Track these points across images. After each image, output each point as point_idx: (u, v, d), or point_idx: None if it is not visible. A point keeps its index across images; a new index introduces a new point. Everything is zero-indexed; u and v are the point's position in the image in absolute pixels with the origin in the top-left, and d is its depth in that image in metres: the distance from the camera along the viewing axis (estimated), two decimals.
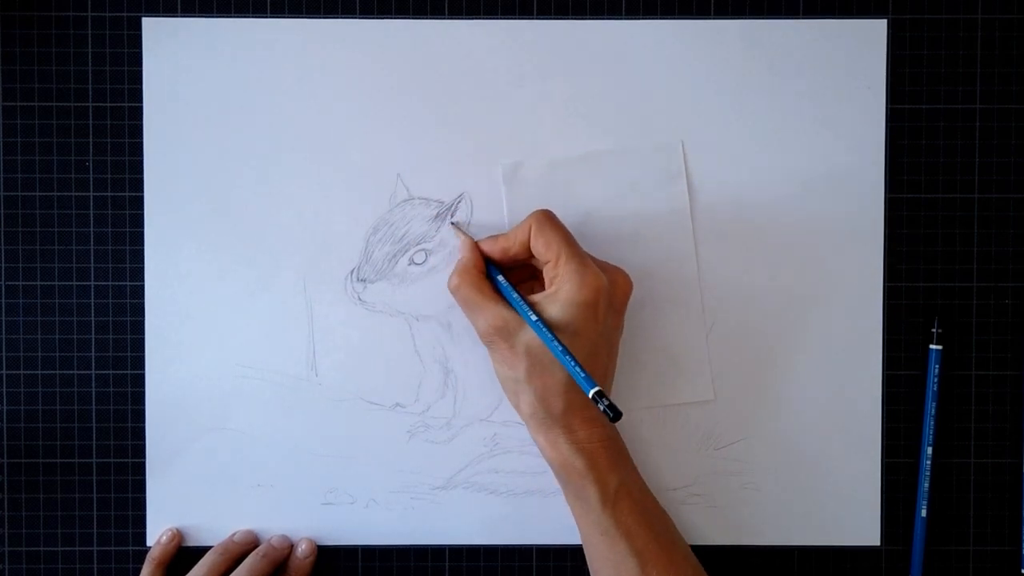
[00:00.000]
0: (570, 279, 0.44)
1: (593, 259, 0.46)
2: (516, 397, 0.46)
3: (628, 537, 0.45)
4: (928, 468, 0.50)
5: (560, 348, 0.43)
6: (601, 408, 0.41)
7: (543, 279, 0.46)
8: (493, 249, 0.47)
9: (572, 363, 0.42)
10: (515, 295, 0.45)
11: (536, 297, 0.45)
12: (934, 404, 0.50)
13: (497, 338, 0.45)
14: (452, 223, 0.50)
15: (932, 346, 0.50)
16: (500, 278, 0.46)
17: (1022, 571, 0.51)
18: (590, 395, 0.41)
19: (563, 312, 0.44)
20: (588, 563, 0.47)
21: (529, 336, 0.44)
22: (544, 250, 0.45)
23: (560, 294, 0.44)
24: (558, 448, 0.45)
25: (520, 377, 0.44)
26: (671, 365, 0.51)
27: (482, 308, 0.45)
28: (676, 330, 0.51)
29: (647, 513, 0.46)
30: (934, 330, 0.50)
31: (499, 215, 0.50)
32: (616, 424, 0.50)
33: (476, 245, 0.48)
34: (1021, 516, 0.51)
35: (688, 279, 0.50)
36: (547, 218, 0.46)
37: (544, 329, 0.43)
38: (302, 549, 0.50)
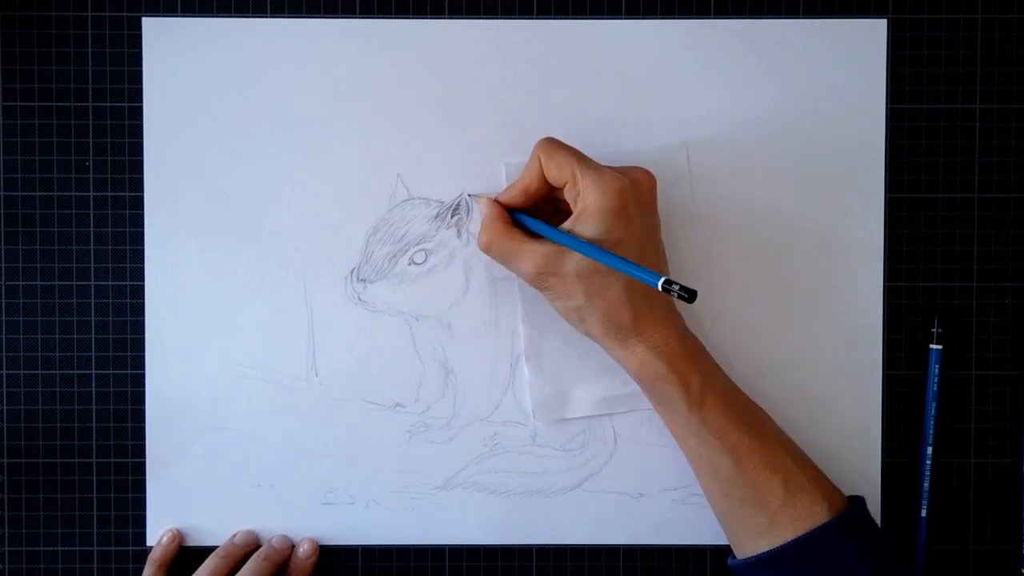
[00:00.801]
0: (592, 192, 0.44)
1: (609, 167, 0.45)
2: (584, 324, 0.45)
3: (719, 435, 0.45)
4: (928, 468, 0.50)
5: (611, 256, 0.42)
6: (674, 293, 0.40)
7: (568, 210, 0.45)
8: (513, 196, 0.47)
9: (627, 265, 0.42)
10: (546, 227, 0.45)
11: (567, 224, 0.45)
12: (934, 404, 0.50)
13: (545, 275, 0.45)
14: (469, 195, 0.50)
15: (932, 346, 0.50)
16: (529, 221, 0.46)
17: (1022, 571, 0.51)
18: (659, 285, 0.41)
19: (597, 225, 0.43)
20: (690, 465, 0.47)
21: (575, 261, 0.44)
22: (558, 173, 0.45)
23: (589, 210, 0.44)
24: (637, 355, 0.45)
25: (581, 304, 0.44)
26: None
27: (519, 253, 0.45)
28: None
29: (735, 407, 0.45)
30: (934, 330, 0.50)
31: None
32: (615, 424, 0.51)
33: (494, 200, 0.47)
34: (1021, 516, 0.51)
35: (690, 280, 0.50)
36: (552, 143, 0.45)
37: (588, 246, 0.43)
38: (304, 549, 0.50)
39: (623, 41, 0.50)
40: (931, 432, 0.50)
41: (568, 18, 0.50)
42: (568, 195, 0.45)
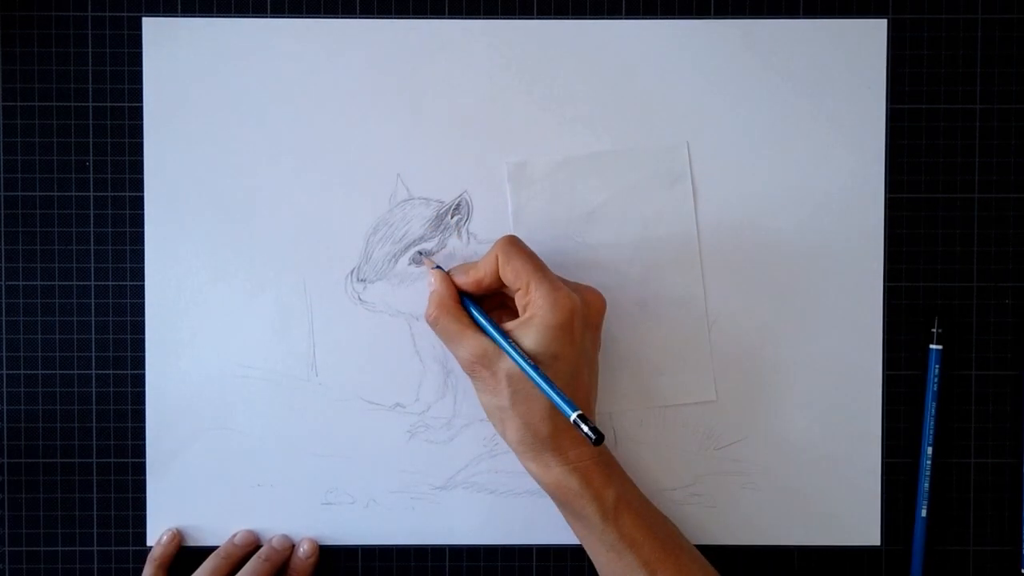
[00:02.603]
0: (542, 304, 0.44)
1: (564, 280, 0.46)
2: (502, 425, 0.45)
3: (634, 548, 0.45)
4: (928, 468, 0.50)
5: (539, 375, 0.43)
6: (584, 432, 0.41)
7: (514, 306, 0.46)
8: (466, 281, 0.46)
9: (552, 389, 0.42)
10: (491, 326, 0.45)
11: (510, 325, 0.45)
12: (934, 404, 0.50)
13: (479, 367, 0.45)
14: (420, 252, 0.50)
15: (932, 346, 0.50)
16: (474, 310, 0.46)
17: (1022, 571, 0.51)
18: (572, 419, 0.41)
19: (539, 337, 0.44)
20: None
21: (510, 364, 0.44)
22: (513, 278, 0.45)
23: (535, 320, 0.44)
24: (551, 471, 0.45)
25: (504, 405, 0.44)
26: (673, 365, 0.51)
27: (462, 339, 0.45)
28: (679, 330, 0.51)
29: (649, 521, 0.46)
30: (934, 330, 0.50)
31: (502, 214, 0.50)
32: (615, 423, 0.51)
33: (449, 277, 0.47)
34: (1021, 516, 0.51)
35: (691, 279, 0.50)
36: (513, 245, 0.45)
37: (521, 357, 0.43)
38: (304, 549, 0.50)
39: (623, 41, 0.50)
40: (931, 432, 0.50)
41: (568, 18, 0.50)
42: (519, 300, 0.45)
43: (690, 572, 0.45)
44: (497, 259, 0.45)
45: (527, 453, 0.45)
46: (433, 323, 0.46)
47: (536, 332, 0.44)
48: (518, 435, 0.45)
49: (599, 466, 0.45)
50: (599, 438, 0.41)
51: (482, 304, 0.47)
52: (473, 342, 0.45)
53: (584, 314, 0.45)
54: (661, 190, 0.50)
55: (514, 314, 0.46)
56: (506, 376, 0.44)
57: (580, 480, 0.45)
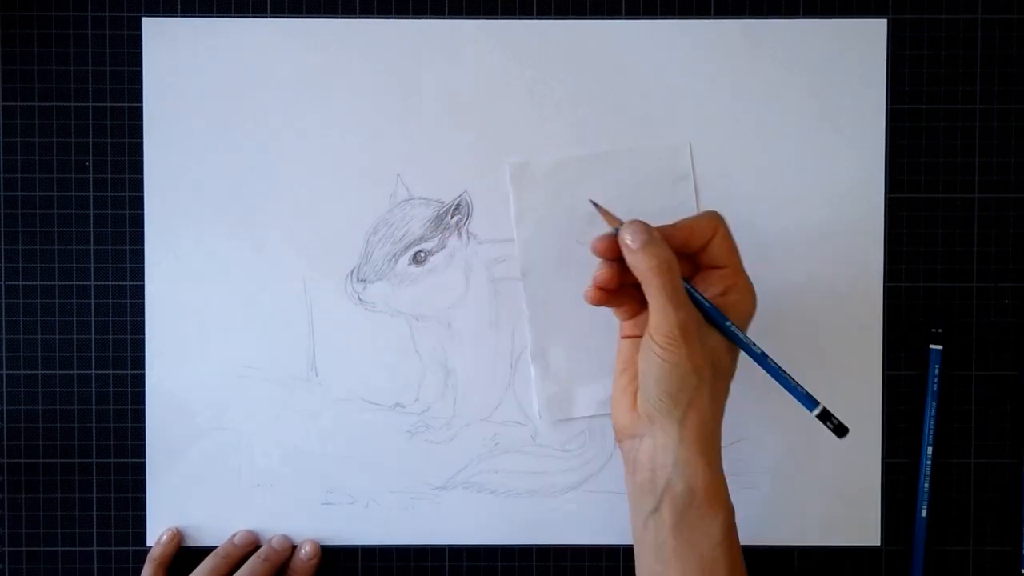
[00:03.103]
0: (748, 294, 0.44)
1: None
2: (685, 395, 0.41)
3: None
4: (928, 468, 0.50)
5: (776, 367, 0.42)
6: (830, 427, 0.40)
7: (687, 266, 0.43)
8: (672, 232, 0.43)
9: (791, 381, 0.42)
10: (707, 302, 0.43)
11: (720, 302, 0.43)
12: (934, 404, 0.50)
13: (691, 335, 0.41)
14: (593, 202, 0.45)
15: (932, 346, 0.50)
16: (691, 288, 0.43)
17: (1022, 571, 0.51)
18: (814, 414, 0.41)
19: (739, 325, 0.43)
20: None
21: (716, 340, 0.42)
22: (727, 256, 0.44)
23: (740, 306, 0.43)
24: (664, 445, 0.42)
25: (705, 378, 0.41)
26: None
27: (685, 302, 0.41)
28: None
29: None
30: (934, 330, 0.50)
31: (502, 214, 0.50)
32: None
33: (659, 234, 0.42)
34: (1021, 516, 0.51)
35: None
36: (725, 224, 0.44)
37: (755, 346, 0.42)
38: (306, 551, 0.50)
39: (623, 41, 0.50)
40: (931, 432, 0.50)
41: (568, 18, 0.50)
42: (722, 278, 0.43)
43: None
44: (718, 229, 0.43)
45: (664, 417, 0.42)
46: (667, 270, 0.41)
47: (739, 318, 0.43)
48: (666, 403, 0.41)
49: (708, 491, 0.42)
50: (844, 431, 0.40)
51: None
52: (689, 310, 0.41)
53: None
54: (663, 190, 0.50)
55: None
56: (711, 352, 0.41)
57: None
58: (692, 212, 0.50)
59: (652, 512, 0.42)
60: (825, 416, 0.40)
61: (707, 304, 0.43)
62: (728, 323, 0.42)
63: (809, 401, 0.41)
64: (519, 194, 0.50)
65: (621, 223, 0.43)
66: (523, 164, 0.50)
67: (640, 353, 0.42)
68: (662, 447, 0.42)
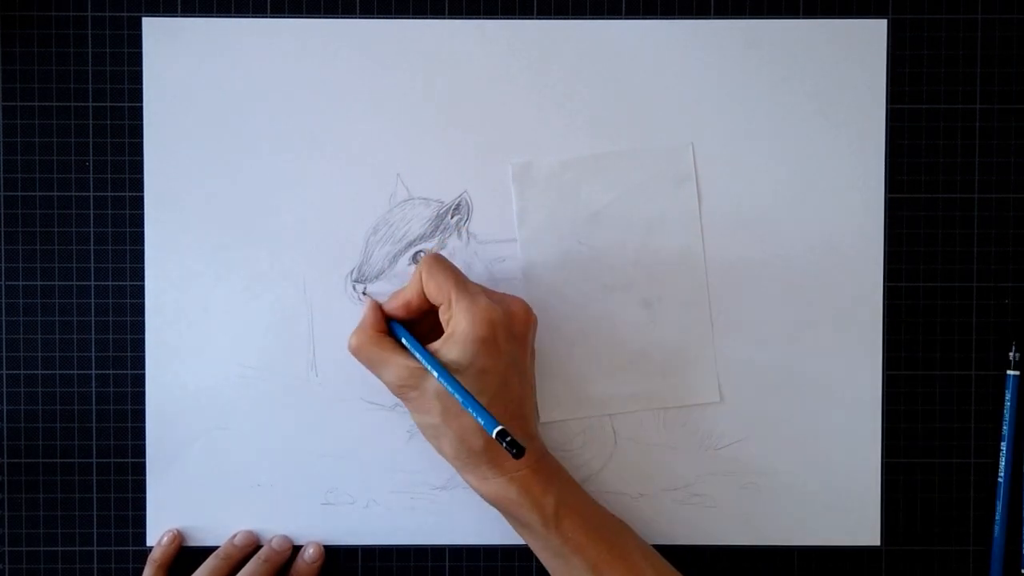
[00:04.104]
0: (464, 318, 0.44)
1: (488, 292, 0.46)
2: (438, 441, 0.45)
3: (579, 552, 0.44)
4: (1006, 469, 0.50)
5: (459, 391, 0.42)
6: (503, 444, 0.40)
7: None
8: (395, 305, 0.46)
9: (473, 404, 0.42)
10: (413, 346, 0.45)
11: (435, 344, 0.45)
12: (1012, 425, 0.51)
13: (406, 389, 0.45)
14: (362, 293, 0.50)
15: (1009, 372, 0.50)
16: (399, 329, 0.46)
17: (1022, 571, 0.51)
18: (492, 435, 0.41)
19: (463, 351, 0.43)
20: None
21: (435, 381, 0.43)
22: (436, 294, 0.45)
23: (457, 334, 0.44)
24: (488, 483, 0.45)
25: (437, 422, 0.44)
26: (678, 367, 0.51)
27: (385, 363, 0.45)
28: (684, 332, 0.51)
29: (594, 524, 0.45)
30: (1012, 355, 0.50)
31: (501, 214, 0.50)
32: (615, 424, 0.51)
33: (377, 305, 0.47)
34: (1022, 516, 0.51)
35: (696, 281, 0.50)
36: (435, 261, 0.45)
37: (442, 374, 0.43)
38: (310, 553, 0.50)
39: (623, 41, 0.50)
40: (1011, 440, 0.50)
41: (568, 18, 0.50)
42: (442, 316, 0.45)
43: (640, 571, 0.45)
44: (421, 278, 0.45)
45: (464, 467, 0.45)
46: (355, 352, 0.46)
47: (460, 346, 0.44)
48: (453, 450, 0.45)
49: (537, 474, 0.45)
50: (519, 452, 0.40)
51: (418, 328, 0.47)
52: (397, 365, 0.45)
53: (507, 325, 0.45)
54: (666, 191, 0.50)
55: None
56: (435, 394, 0.44)
57: (519, 489, 0.44)
58: (695, 213, 0.50)
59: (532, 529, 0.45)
60: (502, 436, 0.41)
61: (404, 339, 0.46)
62: (424, 357, 0.44)
63: (489, 423, 0.41)
64: (521, 194, 0.50)
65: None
66: (525, 164, 0.50)
67: None
68: (495, 491, 0.45)
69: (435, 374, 0.43)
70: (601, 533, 0.45)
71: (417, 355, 0.44)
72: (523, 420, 0.46)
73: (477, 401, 0.42)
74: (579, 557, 0.44)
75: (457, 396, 0.42)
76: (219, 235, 0.50)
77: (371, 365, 0.46)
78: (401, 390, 0.45)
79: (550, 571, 0.47)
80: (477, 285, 0.46)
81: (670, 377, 0.51)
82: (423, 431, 0.46)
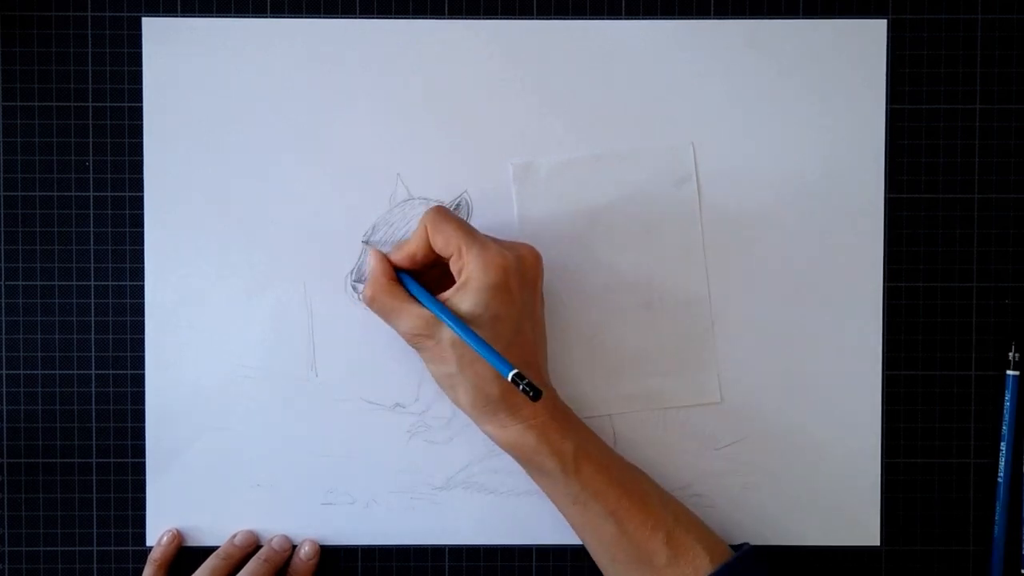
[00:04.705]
0: (475, 266, 0.44)
1: (496, 240, 0.46)
2: (454, 391, 0.46)
3: (598, 498, 0.45)
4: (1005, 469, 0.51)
5: (474, 338, 0.42)
6: (520, 387, 0.41)
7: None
8: (400, 256, 0.46)
9: (487, 350, 0.42)
10: (425, 297, 0.45)
11: (447, 293, 0.45)
12: (1012, 425, 0.51)
13: (421, 338, 0.45)
14: (363, 242, 0.50)
15: (1009, 372, 0.50)
16: (410, 284, 0.46)
17: (1022, 571, 0.51)
18: (508, 378, 0.41)
19: (476, 300, 0.43)
20: (576, 533, 0.47)
21: (451, 331, 0.44)
22: (444, 245, 0.45)
23: (470, 283, 0.44)
24: (506, 430, 0.45)
25: (453, 371, 0.44)
26: (678, 367, 0.51)
27: (399, 313, 0.45)
28: (684, 332, 0.51)
29: (611, 470, 0.46)
30: (1011, 355, 0.50)
31: (502, 214, 0.50)
32: (615, 424, 0.51)
33: (383, 255, 0.47)
34: (1021, 516, 0.51)
35: (697, 281, 0.50)
36: (439, 214, 0.45)
37: (455, 323, 0.43)
38: (305, 551, 0.50)
39: (623, 41, 0.50)
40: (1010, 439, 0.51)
41: (568, 18, 0.50)
42: (453, 267, 0.45)
43: (659, 517, 0.45)
44: (426, 230, 0.45)
45: (482, 416, 0.45)
46: (369, 302, 0.46)
47: (473, 295, 0.44)
48: (470, 399, 0.45)
49: (555, 420, 0.45)
50: (536, 394, 0.41)
51: (424, 278, 0.47)
52: (411, 315, 0.45)
53: (519, 270, 0.45)
54: (666, 191, 0.50)
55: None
56: (450, 343, 0.44)
57: (536, 436, 0.45)
58: (695, 214, 0.50)
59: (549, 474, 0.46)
60: (519, 378, 0.41)
61: (415, 291, 0.46)
62: (435, 306, 0.44)
63: (505, 367, 0.41)
64: (521, 194, 0.50)
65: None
66: (525, 164, 0.50)
67: None
68: (513, 438, 0.45)
69: (447, 322, 0.43)
70: (619, 479, 0.45)
71: (429, 305, 0.44)
72: (537, 368, 0.46)
73: (491, 347, 0.42)
74: (598, 503, 0.45)
75: (471, 343, 0.42)
76: (219, 235, 0.50)
77: (385, 315, 0.46)
78: (416, 339, 0.45)
79: (567, 518, 0.47)
80: (484, 234, 0.46)
81: (670, 377, 0.51)
82: (438, 381, 0.46)
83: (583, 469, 0.45)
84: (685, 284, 0.50)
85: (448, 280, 0.46)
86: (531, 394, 0.41)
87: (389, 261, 0.47)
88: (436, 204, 0.46)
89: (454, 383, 0.45)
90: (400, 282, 0.47)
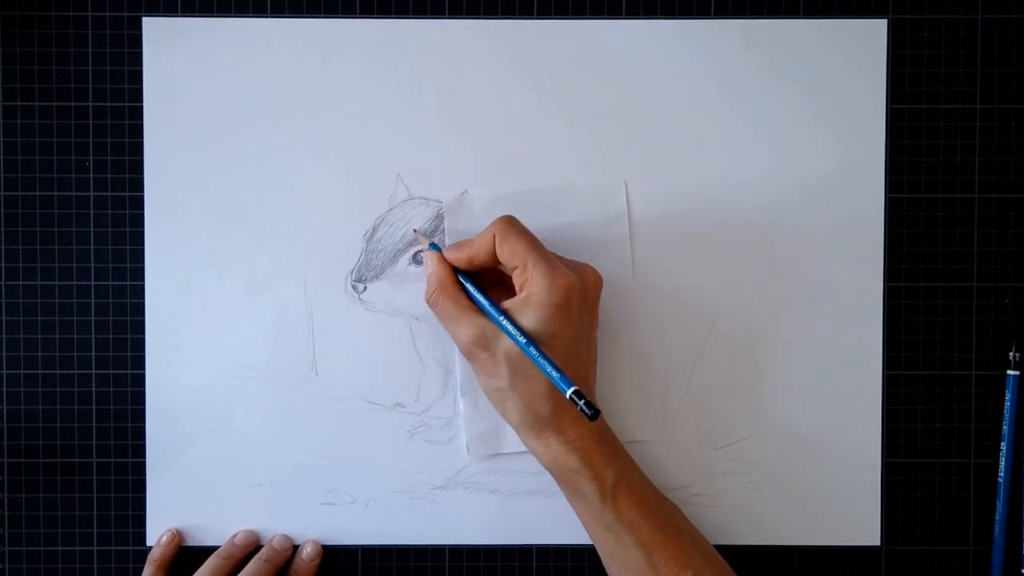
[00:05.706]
0: (540, 283, 0.44)
1: (560, 259, 0.46)
2: (503, 405, 0.45)
3: (632, 529, 0.45)
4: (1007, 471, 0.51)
5: (536, 352, 0.43)
6: (580, 407, 0.41)
7: (511, 283, 0.46)
8: (459, 258, 0.46)
9: (549, 365, 0.42)
10: (490, 305, 0.45)
11: (509, 304, 0.45)
12: (1012, 424, 0.50)
13: (477, 349, 0.45)
14: (415, 230, 0.50)
15: (1009, 372, 0.50)
16: (473, 289, 0.46)
17: (1022, 571, 0.51)
18: (567, 395, 0.42)
19: (537, 316, 0.43)
20: (602, 560, 0.47)
21: (508, 344, 0.44)
22: (511, 257, 0.45)
23: (532, 298, 0.44)
24: (551, 449, 0.45)
25: (504, 386, 0.44)
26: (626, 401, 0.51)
27: (460, 320, 0.45)
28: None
29: (648, 503, 0.46)
30: (1012, 355, 0.50)
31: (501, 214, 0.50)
32: (617, 423, 0.51)
33: (443, 257, 0.47)
34: (1021, 516, 0.51)
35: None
36: (510, 225, 0.45)
37: (519, 335, 0.43)
38: (307, 552, 0.50)
39: (623, 41, 0.50)
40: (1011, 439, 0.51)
41: (568, 18, 0.50)
42: (516, 279, 0.45)
43: (689, 555, 0.45)
44: (494, 238, 0.45)
45: (528, 432, 0.45)
46: (433, 304, 0.46)
47: (534, 311, 0.44)
48: (519, 415, 0.45)
49: (600, 445, 0.45)
50: (595, 413, 0.41)
51: (478, 281, 0.47)
52: (471, 324, 0.45)
53: (581, 292, 0.45)
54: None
55: (511, 290, 0.46)
56: (505, 356, 0.44)
57: (580, 459, 0.45)
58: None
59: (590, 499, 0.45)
60: (577, 396, 0.41)
61: (477, 298, 0.46)
62: (500, 317, 0.44)
63: (565, 384, 0.42)
64: (454, 227, 0.50)
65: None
66: (458, 198, 0.50)
67: None
68: (556, 458, 0.45)
69: (511, 334, 0.43)
70: (655, 513, 0.45)
71: (493, 315, 0.44)
72: (588, 390, 0.46)
73: (553, 363, 0.42)
74: (631, 534, 0.45)
75: (533, 357, 0.43)
76: (219, 235, 0.50)
77: (445, 320, 0.46)
78: (471, 349, 0.45)
79: (596, 544, 0.47)
80: (550, 251, 0.46)
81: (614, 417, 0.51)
82: (487, 394, 0.46)
83: (621, 499, 0.45)
84: (615, 314, 0.51)
85: (500, 289, 0.46)
86: (589, 413, 0.41)
87: (447, 262, 0.47)
88: (505, 217, 0.45)
89: (504, 398, 0.45)
90: (462, 287, 0.46)
